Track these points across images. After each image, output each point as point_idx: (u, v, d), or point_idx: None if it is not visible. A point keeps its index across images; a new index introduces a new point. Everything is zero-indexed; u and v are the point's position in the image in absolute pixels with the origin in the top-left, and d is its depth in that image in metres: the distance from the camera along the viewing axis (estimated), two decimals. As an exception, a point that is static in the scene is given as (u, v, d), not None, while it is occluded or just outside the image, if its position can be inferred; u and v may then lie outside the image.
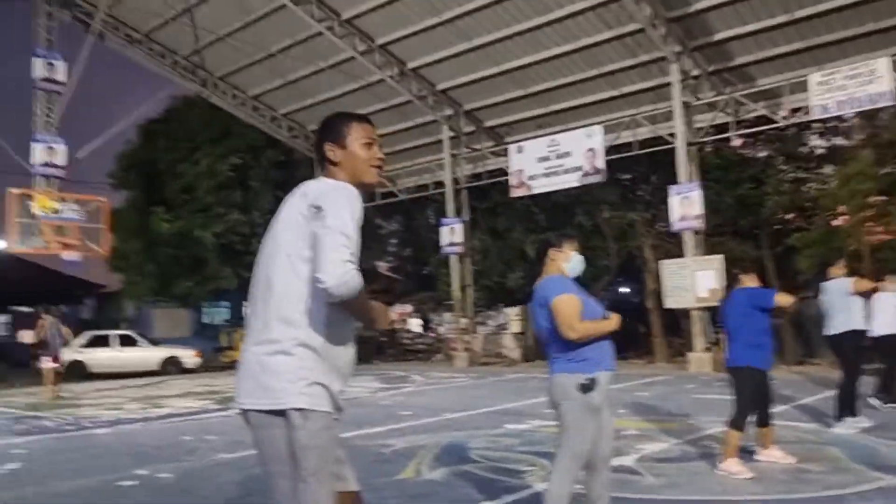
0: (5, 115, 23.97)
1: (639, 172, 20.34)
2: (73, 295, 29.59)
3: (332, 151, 2.35)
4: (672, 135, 16.26)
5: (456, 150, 20.92)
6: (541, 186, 18.43)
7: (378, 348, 24.15)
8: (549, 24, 16.40)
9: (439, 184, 21.57)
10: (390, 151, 22.33)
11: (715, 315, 6.11)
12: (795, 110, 15.59)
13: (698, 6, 14.93)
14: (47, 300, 14.64)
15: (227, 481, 5.49)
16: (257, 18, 18.33)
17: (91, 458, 6.83)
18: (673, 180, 16.10)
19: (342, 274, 2.01)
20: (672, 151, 16.21)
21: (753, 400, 5.34)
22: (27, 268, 26.29)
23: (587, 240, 19.77)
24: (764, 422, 5.51)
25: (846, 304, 6.86)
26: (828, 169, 17.53)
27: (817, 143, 18.50)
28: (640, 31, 15.53)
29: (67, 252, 18.32)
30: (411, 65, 19.10)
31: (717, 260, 15.04)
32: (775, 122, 16.24)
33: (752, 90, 16.30)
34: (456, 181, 20.97)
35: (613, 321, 3.51)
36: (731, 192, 17.46)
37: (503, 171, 19.85)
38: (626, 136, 17.67)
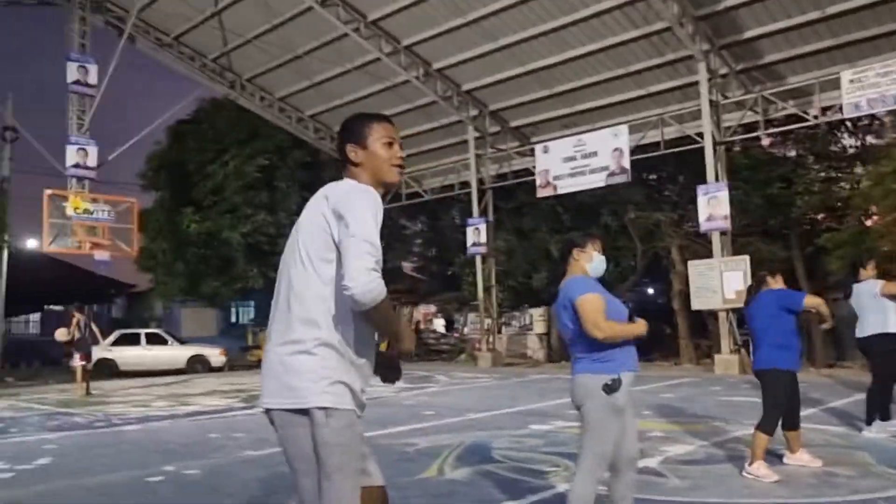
0: (43, 119, 24.43)
1: (666, 172, 20.17)
2: (105, 294, 30.16)
3: (353, 152, 2.37)
4: (699, 134, 16.09)
5: (481, 151, 20.92)
6: (566, 186, 18.34)
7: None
8: (574, 23, 16.32)
9: (464, 184, 21.58)
10: (416, 152, 22.42)
11: (742, 316, 6.03)
12: (826, 109, 15.33)
13: (727, 4, 14.75)
14: (79, 299, 14.90)
15: (252, 478, 5.55)
16: (284, 21, 18.49)
17: (120, 454, 6.95)
18: (700, 180, 15.92)
19: (367, 282, 2.03)
20: (699, 151, 16.04)
21: (782, 403, 5.26)
22: (60, 267, 26.85)
23: (613, 240, 19.67)
24: (792, 425, 5.43)
25: (877, 307, 6.73)
26: (859, 168, 17.21)
27: (849, 141, 18.18)
28: (668, 29, 15.39)
29: (99, 252, 18.65)
30: (437, 65, 19.14)
31: (745, 261, 14.85)
32: (806, 121, 16.00)
33: (782, 88, 16.07)
34: (481, 181, 20.97)
35: (641, 325, 3.49)
36: (760, 191, 17.21)
37: (529, 172, 19.80)
38: (652, 136, 17.52)
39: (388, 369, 2.43)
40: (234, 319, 31.18)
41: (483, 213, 20.81)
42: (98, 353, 16.11)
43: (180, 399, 12.52)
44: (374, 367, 2.37)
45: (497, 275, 21.15)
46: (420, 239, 29.53)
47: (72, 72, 18.71)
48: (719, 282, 15.08)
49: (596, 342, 3.36)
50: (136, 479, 5.73)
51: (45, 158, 18.70)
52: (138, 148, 27.66)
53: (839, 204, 17.01)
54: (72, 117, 18.79)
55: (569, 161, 18.16)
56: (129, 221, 19.37)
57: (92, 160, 18.71)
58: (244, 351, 23.73)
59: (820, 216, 17.97)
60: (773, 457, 5.49)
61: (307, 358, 2.17)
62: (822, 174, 17.78)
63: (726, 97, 16.51)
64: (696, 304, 15.86)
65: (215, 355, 20.21)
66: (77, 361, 13.72)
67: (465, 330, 23.62)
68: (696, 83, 16.00)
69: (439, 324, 27.72)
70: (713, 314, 16.08)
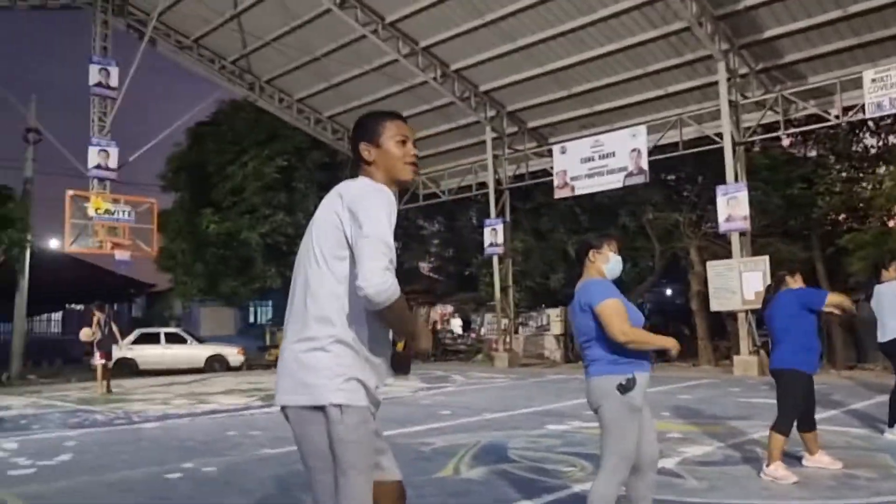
0: (65, 121, 24.76)
1: (684, 173, 20.04)
2: (125, 294, 30.47)
3: (366, 150, 2.38)
4: (719, 134, 15.97)
5: (499, 151, 20.91)
6: (584, 187, 18.28)
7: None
8: (592, 23, 16.27)
9: (482, 185, 21.58)
10: (433, 153, 22.46)
11: (761, 317, 5.96)
12: (848, 108, 15.15)
13: (747, 3, 14.65)
14: (100, 298, 15.08)
15: (270, 475, 5.59)
16: (303, 23, 18.60)
17: (139, 451, 7.02)
18: (719, 180, 15.81)
19: (381, 282, 2.04)
20: (719, 151, 15.91)
21: (799, 404, 5.21)
22: (81, 267, 27.16)
23: (631, 241, 19.58)
24: (808, 426, 5.37)
25: (899, 308, 6.64)
26: (882, 168, 17.00)
27: (871, 141, 17.96)
28: (686, 29, 15.30)
29: (119, 252, 18.87)
30: (454, 66, 19.16)
31: (764, 261, 14.72)
32: (827, 121, 15.83)
33: (803, 88, 15.91)
34: (498, 182, 20.95)
35: (669, 340, 3.47)
36: (780, 192, 17.06)
37: (546, 172, 19.77)
38: (671, 136, 17.42)
39: (399, 363, 2.43)
40: (252, 319, 31.39)
41: (500, 213, 20.80)
42: (118, 352, 16.30)
43: (199, 397, 12.63)
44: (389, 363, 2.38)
45: (514, 275, 21.12)
46: (437, 239, 29.54)
47: (94, 74, 18.95)
48: (738, 283, 14.96)
49: (611, 344, 3.35)
50: (154, 475, 5.79)
51: (67, 160, 18.97)
52: (158, 149, 27.96)
53: (861, 204, 16.82)
54: (93, 119, 19.03)
55: (586, 162, 18.10)
56: (150, 222, 19.59)
57: (113, 161, 18.92)
58: (262, 350, 23.89)
59: (841, 217, 17.77)
60: (792, 459, 5.45)
61: (322, 355, 2.18)
62: (844, 174, 17.59)
63: (746, 97, 16.37)
64: (715, 305, 15.74)
65: (233, 354, 20.37)
66: (97, 360, 13.89)
67: (482, 330, 23.60)
68: (716, 83, 15.89)
69: (456, 324, 27.73)
70: (732, 315, 15.96)
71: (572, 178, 18.39)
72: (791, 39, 15.33)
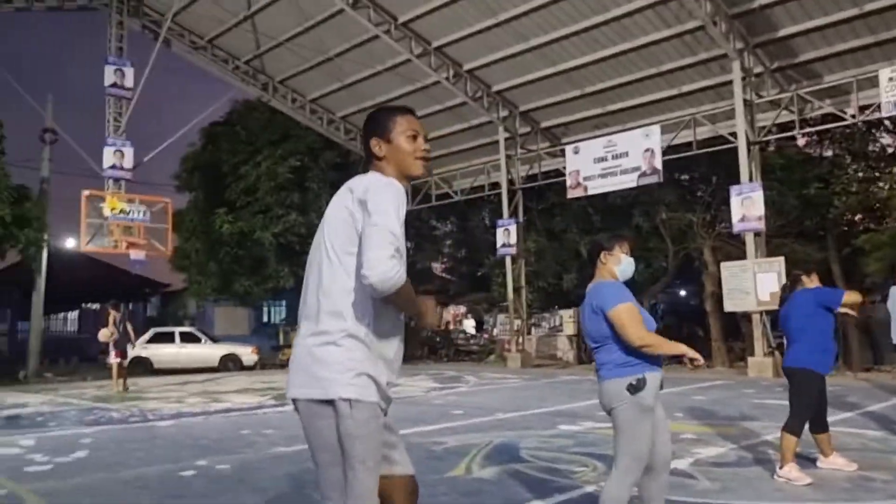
0: (81, 122, 25.00)
1: (698, 173, 19.93)
2: (140, 293, 30.72)
3: (377, 146, 2.40)
4: (733, 134, 15.86)
5: (511, 152, 20.88)
6: (597, 187, 18.22)
7: (432, 349, 24.30)
8: (605, 23, 16.21)
9: (495, 185, 21.57)
10: (446, 153, 22.48)
11: (776, 318, 5.93)
12: (864, 108, 15.01)
13: (761, 2, 14.54)
14: (115, 298, 15.21)
15: (283, 473, 5.63)
16: (316, 23, 18.66)
17: (154, 449, 7.08)
18: (734, 180, 15.71)
19: (386, 270, 2.05)
20: (733, 151, 15.82)
21: (811, 404, 5.17)
22: (97, 267, 27.43)
23: (645, 241, 19.49)
24: (820, 428, 5.33)
25: (916, 309, 6.58)
26: (899, 168, 16.84)
27: (888, 140, 17.78)
28: (701, 28, 15.22)
29: (134, 251, 19.01)
30: (467, 66, 19.16)
31: (779, 262, 14.62)
32: (843, 120, 15.69)
33: (818, 87, 15.78)
34: (511, 182, 20.93)
35: (685, 347, 3.44)
36: (796, 192, 16.93)
37: (559, 172, 19.72)
38: (685, 136, 17.33)
39: (408, 335, 2.44)
40: (265, 319, 31.50)
41: (513, 213, 20.77)
42: (133, 350, 16.44)
43: (213, 396, 12.71)
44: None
45: (527, 276, 21.09)
46: (450, 240, 29.53)
47: (109, 75, 19.11)
48: (753, 283, 14.86)
49: (622, 347, 3.34)
50: (169, 472, 5.84)
51: (83, 160, 19.15)
52: (173, 149, 28.14)
53: (878, 205, 16.66)
54: (109, 119, 19.19)
55: (599, 162, 18.04)
56: (164, 221, 19.74)
57: (128, 161, 19.08)
58: (275, 350, 23.99)
59: (857, 217, 17.61)
60: (807, 461, 5.41)
61: (334, 349, 2.20)
62: (860, 174, 17.43)
63: (761, 96, 16.26)
64: (729, 305, 15.64)
65: (247, 354, 20.49)
66: (113, 358, 14.01)
67: (495, 331, 23.58)
68: (730, 82, 15.78)
69: (469, 325, 27.73)
70: (746, 316, 15.85)
71: (585, 178, 18.34)
72: (806, 38, 15.21)
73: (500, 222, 20.75)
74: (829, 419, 5.43)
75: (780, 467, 5.04)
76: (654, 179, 17.09)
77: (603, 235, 3.90)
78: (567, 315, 21.06)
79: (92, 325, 28.47)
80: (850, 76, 15.29)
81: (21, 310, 23.11)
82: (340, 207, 2.29)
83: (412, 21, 18.02)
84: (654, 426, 3.37)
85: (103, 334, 14.01)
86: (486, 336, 24.72)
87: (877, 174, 17.43)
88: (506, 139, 20.60)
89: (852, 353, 15.46)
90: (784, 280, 13.23)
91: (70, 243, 25.44)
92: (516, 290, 20.58)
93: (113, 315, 14.10)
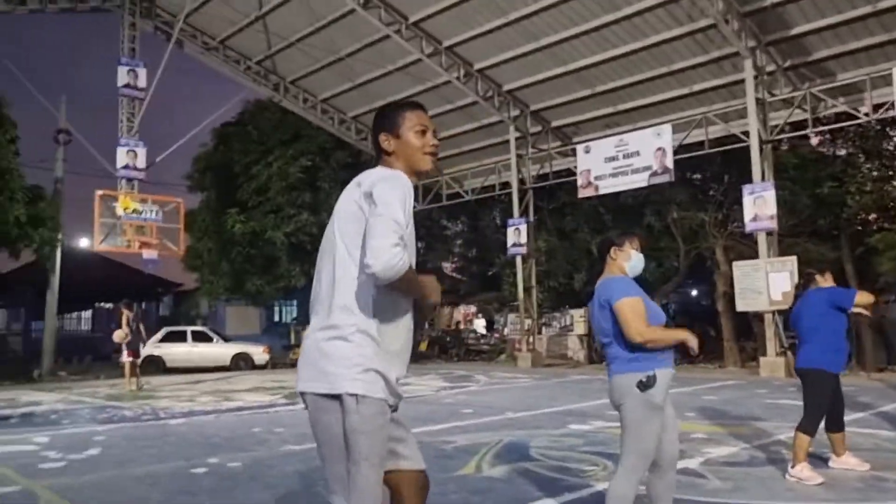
0: (94, 122, 25.19)
1: (710, 172, 19.83)
2: (153, 292, 30.92)
3: (386, 141, 2.40)
4: (745, 133, 15.76)
5: (522, 151, 20.86)
6: (608, 186, 18.16)
7: (443, 348, 24.30)
8: (616, 21, 16.16)
9: (505, 184, 21.54)
10: (457, 152, 22.48)
11: (788, 318, 5.87)
12: (878, 106, 14.89)
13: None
14: (128, 297, 15.33)
15: (294, 471, 5.66)
16: (327, 23, 18.71)
17: (166, 446, 7.13)
18: (746, 179, 15.62)
19: (390, 258, 2.06)
20: (745, 150, 15.73)
21: (825, 404, 5.14)
22: (110, 266, 27.64)
23: (656, 241, 19.41)
24: (836, 427, 5.30)
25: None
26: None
27: (902, 139, 17.62)
28: (713, 26, 15.14)
29: (147, 251, 19.13)
30: (478, 66, 19.15)
31: (792, 261, 14.52)
32: (856, 119, 15.57)
33: (832, 85, 15.66)
34: (522, 182, 20.90)
35: (687, 333, 3.43)
36: (809, 191, 16.81)
37: (570, 172, 19.68)
38: (696, 135, 17.24)
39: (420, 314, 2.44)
40: (277, 318, 31.62)
41: (524, 213, 20.74)
42: (146, 350, 16.55)
43: (225, 395, 12.78)
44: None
45: (537, 275, 21.06)
46: (461, 239, 29.54)
47: (122, 76, 19.24)
48: (765, 283, 14.77)
49: (631, 342, 3.33)
50: (181, 469, 5.88)
51: (96, 160, 19.31)
52: (185, 149, 28.29)
53: (892, 204, 16.52)
54: (122, 120, 19.33)
55: (611, 161, 17.98)
56: (176, 221, 19.86)
57: (141, 161, 19.20)
58: (287, 349, 24.07)
59: (872, 216, 17.46)
60: (819, 460, 5.38)
61: (342, 344, 2.21)
62: (875, 173, 17.27)
63: (773, 95, 16.16)
64: (741, 305, 15.56)
65: (259, 353, 20.58)
66: (125, 357, 14.10)
67: (506, 330, 23.56)
68: (742, 81, 15.69)
69: (480, 324, 27.72)
70: (758, 316, 15.76)
71: (596, 178, 18.29)
72: (819, 36, 15.10)
73: (510, 222, 20.73)
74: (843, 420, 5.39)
75: (792, 466, 5.01)
76: (665, 179, 17.02)
77: (612, 232, 3.90)
78: (578, 314, 21.02)
79: (105, 324, 28.73)
80: (863, 74, 15.17)
81: (35, 309, 23.31)
82: (349, 202, 2.30)
83: (423, 21, 18.03)
84: (662, 424, 3.35)
85: (118, 335, 14.11)
86: (496, 336, 24.71)
87: (891, 173, 17.27)
88: (517, 138, 20.58)
89: (866, 352, 15.33)
90: (797, 279, 13.17)
91: (83, 243, 25.67)
92: (527, 289, 20.56)
93: (126, 314, 14.19)
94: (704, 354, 19.01)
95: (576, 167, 18.98)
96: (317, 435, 2.29)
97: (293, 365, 20.21)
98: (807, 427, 5.03)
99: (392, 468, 2.29)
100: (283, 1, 18.37)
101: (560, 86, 18.96)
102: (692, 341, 3.37)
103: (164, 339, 19.98)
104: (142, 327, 14.57)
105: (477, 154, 22.58)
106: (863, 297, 5.20)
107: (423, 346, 23.88)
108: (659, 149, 17.00)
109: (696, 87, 17.37)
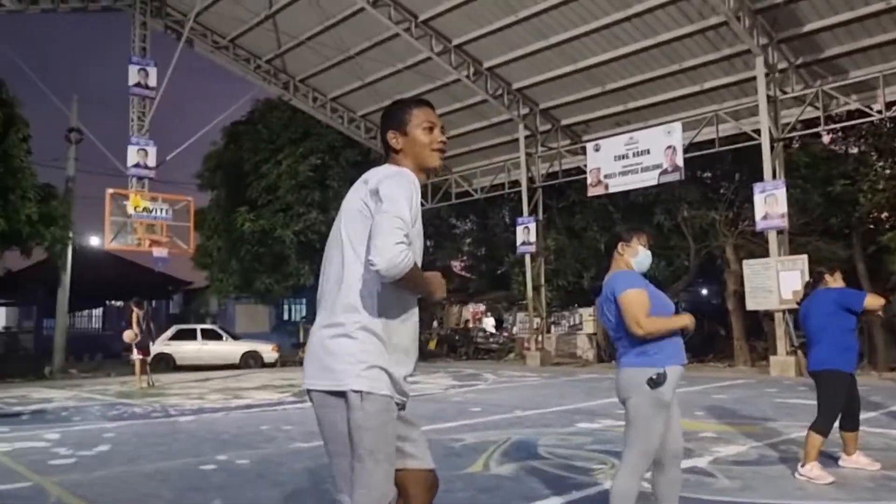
0: (105, 121, 25.31)
1: (721, 170, 19.74)
2: (163, 291, 31.07)
3: (394, 138, 2.41)
4: (756, 131, 15.68)
5: (532, 149, 20.82)
6: (618, 185, 18.10)
7: (452, 347, 24.30)
8: (627, 19, 16.09)
9: (515, 183, 21.51)
10: (466, 151, 22.48)
11: (798, 317, 5.82)
12: (891, 103, 14.77)
13: (786, -4, 14.38)
14: (139, 295, 15.41)
15: (302, 468, 5.67)
16: (336, 22, 18.73)
17: (175, 443, 7.16)
18: (757, 178, 15.53)
19: (393, 256, 2.06)
20: (756, 148, 15.64)
21: (840, 404, 5.10)
22: (121, 265, 27.79)
23: (666, 239, 19.34)
24: (851, 426, 5.25)
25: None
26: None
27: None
28: (724, 23, 15.06)
29: (157, 249, 19.22)
30: (487, 64, 19.12)
31: (802, 260, 14.43)
32: (869, 116, 15.44)
33: (844, 83, 15.55)
34: (531, 180, 20.87)
35: (684, 318, 3.42)
36: (820, 189, 16.69)
37: (580, 170, 19.62)
38: (707, 133, 17.15)
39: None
40: (286, 316, 31.69)
41: (533, 211, 20.71)
42: (155, 347, 16.63)
43: (234, 392, 12.82)
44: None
45: (546, 274, 21.03)
46: (470, 238, 29.51)
47: (133, 74, 19.35)
48: (776, 281, 14.69)
49: (636, 335, 3.32)
50: (190, 466, 5.90)
51: (107, 158, 19.41)
52: (195, 148, 28.36)
53: (905, 202, 16.37)
54: (133, 118, 19.43)
55: (620, 159, 17.93)
56: (187, 220, 19.94)
57: (151, 160, 19.30)
58: (296, 347, 24.14)
59: (884, 215, 17.31)
60: (829, 459, 5.34)
61: (347, 341, 2.21)
62: (888, 171, 17.12)
63: (785, 92, 16.06)
64: (752, 304, 15.47)
65: (268, 351, 20.65)
66: (136, 355, 14.19)
67: (514, 329, 23.53)
68: (754, 78, 15.59)
69: (489, 323, 27.68)
70: (769, 315, 15.67)
71: (606, 176, 18.23)
72: (832, 33, 15.00)
73: (520, 220, 20.70)
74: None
75: (802, 465, 4.98)
76: (675, 177, 16.95)
77: (619, 228, 3.88)
78: (587, 313, 20.97)
79: (116, 322, 28.90)
80: (876, 71, 15.06)
81: (47, 307, 23.46)
82: (355, 199, 2.30)
83: (432, 19, 18.02)
84: (666, 420, 3.34)
85: (128, 335, 14.20)
86: (505, 334, 24.67)
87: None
88: (526, 137, 20.54)
89: (877, 352, 15.23)
90: (807, 278, 13.08)
91: (94, 241, 25.79)
92: (536, 288, 20.53)
93: (136, 313, 14.27)
94: (714, 353, 18.96)
95: (585, 165, 18.93)
96: (323, 432, 2.30)
97: (302, 363, 20.24)
98: (821, 427, 4.99)
99: (400, 467, 2.29)
100: (292, 0, 18.41)
101: (570, 84, 18.91)
102: (689, 323, 3.37)
103: (174, 337, 20.07)
104: (152, 325, 14.64)
105: (486, 152, 22.56)
106: (873, 300, 5.15)
107: (431, 345, 23.89)
108: (669, 147, 16.93)
109: (707, 85, 17.29)
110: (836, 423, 5.13)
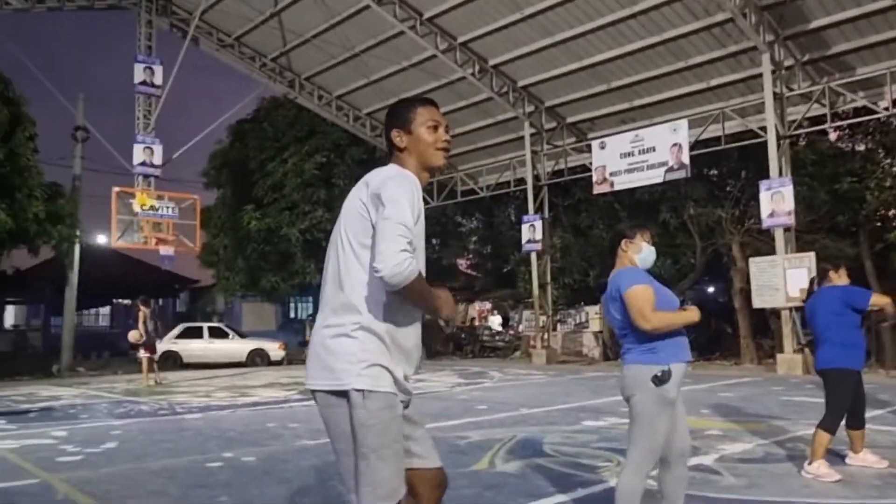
0: (110, 119, 25.39)
1: (727, 167, 19.68)
2: (170, 289, 31.17)
3: (398, 137, 2.40)
4: (763, 128, 15.61)
5: (537, 147, 20.80)
6: (624, 182, 18.06)
7: (457, 345, 24.31)
8: (632, 16, 16.06)
9: (520, 181, 21.49)
10: (471, 149, 22.47)
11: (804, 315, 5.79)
12: (899, 101, 14.70)
13: (792, -7, 14.31)
14: (146, 294, 15.48)
15: (308, 465, 5.69)
16: (341, 20, 18.74)
17: (182, 441, 7.19)
18: (763, 175, 15.47)
19: (397, 264, 2.06)
20: (763, 145, 15.58)
21: (847, 402, 5.07)
22: (128, 263, 27.89)
23: (672, 237, 19.29)
24: (856, 424, 5.23)
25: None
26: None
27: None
28: (730, 20, 15.01)
29: (164, 247, 19.28)
30: (492, 62, 19.11)
31: (809, 258, 14.38)
32: (876, 113, 15.37)
33: (851, 79, 15.48)
34: (537, 178, 20.84)
35: (692, 312, 3.41)
36: (827, 187, 16.63)
37: (585, 168, 19.60)
38: (713, 130, 17.10)
39: (429, 332, 2.45)
40: (292, 314, 31.78)
41: (539, 209, 20.69)
42: (163, 345, 16.69)
43: (240, 390, 12.86)
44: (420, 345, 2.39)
45: (552, 272, 21.00)
46: (475, 236, 29.51)
47: (139, 73, 19.42)
48: (782, 279, 14.63)
49: (645, 333, 3.31)
50: (196, 463, 5.93)
51: (113, 157, 19.48)
52: (201, 146, 28.43)
53: (913, 200, 16.29)
54: (139, 117, 19.50)
55: (626, 157, 17.89)
56: (193, 218, 20.00)
57: (157, 158, 19.37)
58: (302, 345, 24.17)
59: (892, 212, 17.24)
60: (836, 457, 5.33)
61: (346, 340, 2.21)
62: (895, 169, 17.06)
63: (791, 89, 15.99)
64: (758, 302, 15.42)
65: (274, 349, 20.70)
66: (143, 353, 14.25)
67: (520, 327, 23.52)
68: (760, 75, 15.52)
69: (495, 321, 27.68)
70: (775, 313, 15.62)
71: (612, 174, 18.20)
72: (839, 29, 14.93)
73: (525, 218, 20.68)
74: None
75: (809, 463, 4.97)
76: (681, 175, 16.90)
77: (622, 225, 3.88)
78: (593, 311, 20.92)
79: (123, 320, 29.01)
80: (883, 68, 14.98)
81: (54, 305, 23.57)
82: (356, 200, 2.30)
83: (437, 16, 18.01)
84: (672, 418, 3.33)
85: (132, 335, 14.26)
86: (511, 332, 24.64)
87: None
88: (531, 135, 20.52)
89: (885, 350, 15.15)
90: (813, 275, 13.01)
91: (101, 239, 25.89)
92: (542, 286, 20.51)
93: (143, 311, 14.32)
94: (721, 351, 18.91)
95: (591, 163, 18.90)
96: (329, 431, 2.31)
97: (308, 361, 20.32)
98: (828, 425, 4.97)
99: (406, 466, 2.29)
100: (297, -2, 18.44)
101: (575, 81, 18.88)
102: (696, 317, 3.37)
103: (181, 335, 20.14)
104: (158, 323, 14.69)
105: (492, 150, 22.54)
106: (878, 300, 5.13)
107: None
108: (675, 144, 16.88)
109: (713, 82, 17.24)
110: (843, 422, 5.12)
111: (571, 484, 4.85)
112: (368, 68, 20.53)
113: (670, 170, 16.96)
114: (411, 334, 2.31)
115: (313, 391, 2.31)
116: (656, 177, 17.31)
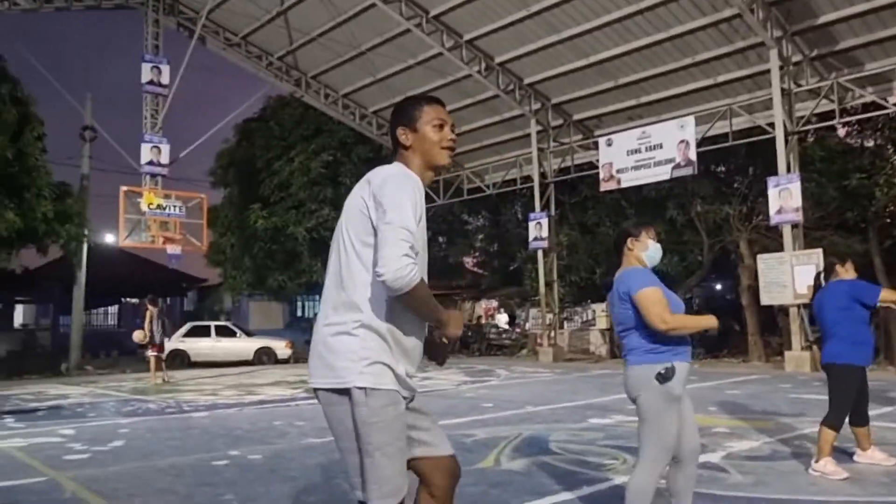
0: (118, 119, 25.49)
1: (735, 164, 19.59)
2: (177, 288, 31.28)
3: (404, 135, 2.40)
4: (771, 124, 15.52)
5: (544, 144, 20.75)
6: (631, 180, 18.00)
7: (464, 343, 24.30)
8: (639, 12, 15.98)
9: (527, 178, 21.44)
10: (478, 146, 22.45)
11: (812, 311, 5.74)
12: (908, 96, 14.60)
13: (800, -12, 14.22)
14: (153, 293, 15.53)
15: (314, 463, 5.69)
16: (347, 18, 18.74)
17: (189, 439, 7.21)
18: (771, 172, 15.39)
19: (399, 269, 2.05)
20: (770, 142, 15.49)
21: (851, 398, 5.04)
22: (136, 262, 28.00)
23: (679, 234, 19.21)
24: (860, 421, 5.20)
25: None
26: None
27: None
28: (737, 16, 14.92)
29: (171, 246, 19.33)
30: (499, 59, 19.07)
31: (817, 254, 14.30)
32: (885, 109, 15.27)
33: (859, 75, 15.36)
34: (543, 175, 20.80)
35: (710, 318, 3.41)
36: (835, 183, 16.52)
37: (592, 165, 19.54)
38: (720, 127, 17.02)
39: (433, 348, 2.45)
40: (299, 313, 31.82)
41: (545, 207, 20.64)
42: (171, 344, 16.74)
43: (247, 389, 12.90)
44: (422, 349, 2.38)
45: (559, 270, 20.97)
46: (482, 234, 29.48)
47: (146, 72, 19.47)
48: (790, 276, 14.56)
49: (650, 333, 3.29)
50: (203, 461, 5.95)
51: (121, 156, 19.53)
52: (208, 145, 28.51)
53: (922, 196, 16.17)
54: (146, 116, 19.55)
55: (633, 154, 17.82)
56: (200, 217, 20.02)
57: (165, 157, 19.42)
58: (309, 344, 24.21)
59: (901, 209, 17.13)
60: (844, 455, 5.29)
61: (347, 338, 2.21)
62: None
63: (799, 85, 15.89)
64: (766, 299, 15.35)
65: (281, 348, 20.75)
66: (150, 352, 14.30)
67: (527, 325, 23.49)
68: (768, 71, 15.43)
69: (502, 319, 27.66)
70: (783, 310, 15.55)
71: (618, 171, 18.14)
72: (847, 25, 14.82)
73: (532, 216, 20.64)
74: (869, 414, 5.29)
75: (816, 461, 4.94)
76: (688, 171, 16.83)
77: (627, 223, 3.85)
78: (600, 309, 20.89)
79: (131, 319, 29.11)
80: (892, 63, 14.88)
81: (63, 304, 23.69)
82: (358, 198, 2.29)
83: (443, 14, 17.99)
84: (680, 416, 3.32)
85: (137, 336, 14.34)
86: (518, 330, 24.62)
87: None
88: (538, 132, 20.48)
89: (894, 347, 15.08)
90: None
91: (109, 239, 26.00)
92: (548, 284, 20.48)
93: (150, 310, 14.37)
94: (728, 349, 18.84)
95: (598, 160, 18.85)
96: (332, 429, 2.31)
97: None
98: (832, 422, 4.94)
99: (419, 456, 2.30)
100: (303, -4, 18.45)
101: (582, 78, 18.82)
102: (713, 323, 3.39)
103: (189, 334, 20.22)
104: (166, 322, 14.74)
105: (498, 148, 22.51)
106: (888, 295, 5.07)
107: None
108: (682, 141, 16.81)
109: (721, 79, 17.14)
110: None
111: (577, 482, 4.84)
112: (375, 66, 20.53)
113: (677, 167, 16.89)
114: (413, 332, 2.30)
115: (315, 389, 2.31)
116: (663, 174, 17.24)
